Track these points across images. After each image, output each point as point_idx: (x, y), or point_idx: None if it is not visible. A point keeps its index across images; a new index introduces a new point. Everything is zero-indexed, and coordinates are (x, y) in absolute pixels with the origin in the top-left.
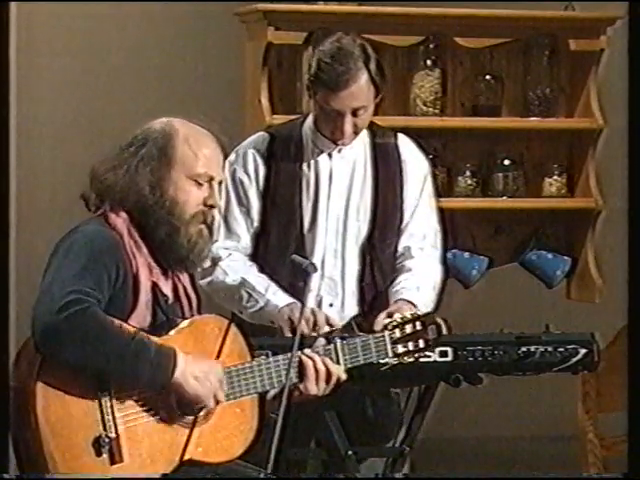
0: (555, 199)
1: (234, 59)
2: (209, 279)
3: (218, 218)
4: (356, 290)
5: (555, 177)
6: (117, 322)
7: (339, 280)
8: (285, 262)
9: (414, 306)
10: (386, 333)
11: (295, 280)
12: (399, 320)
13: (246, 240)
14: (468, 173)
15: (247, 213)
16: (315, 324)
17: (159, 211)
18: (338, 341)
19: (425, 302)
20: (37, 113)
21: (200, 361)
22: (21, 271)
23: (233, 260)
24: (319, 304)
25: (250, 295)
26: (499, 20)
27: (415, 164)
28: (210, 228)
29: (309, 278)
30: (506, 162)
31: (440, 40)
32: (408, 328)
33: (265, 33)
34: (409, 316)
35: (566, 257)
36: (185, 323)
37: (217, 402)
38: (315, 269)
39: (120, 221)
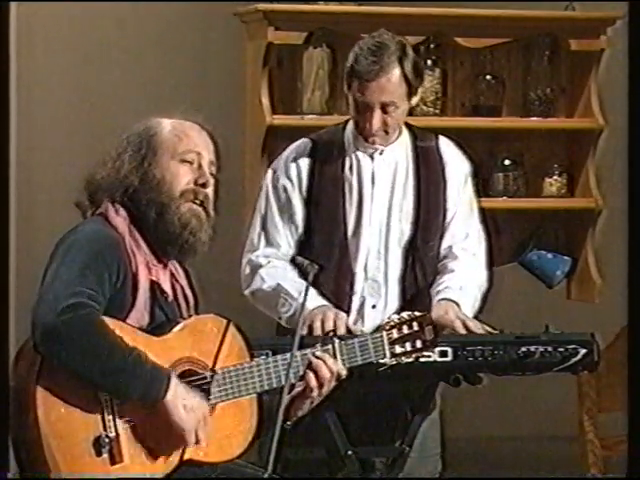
0: (555, 199)
1: (234, 59)
2: (251, 288)
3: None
4: (399, 292)
5: (555, 177)
6: (118, 334)
7: (382, 282)
8: (329, 267)
9: (457, 305)
10: (384, 333)
11: (339, 284)
12: (396, 320)
13: (287, 247)
14: None
15: (290, 220)
16: (334, 328)
17: (148, 193)
18: (336, 341)
19: (468, 301)
20: (37, 113)
21: (191, 393)
22: (21, 271)
23: (272, 267)
24: (361, 306)
25: (285, 300)
26: (499, 20)
27: (456, 165)
28: (205, 208)
29: (309, 278)
30: (506, 162)
31: (440, 40)
32: (405, 328)
33: (265, 33)
34: (406, 316)
35: (566, 257)
36: (184, 323)
37: (197, 441)
38: (314, 269)
39: (120, 220)
